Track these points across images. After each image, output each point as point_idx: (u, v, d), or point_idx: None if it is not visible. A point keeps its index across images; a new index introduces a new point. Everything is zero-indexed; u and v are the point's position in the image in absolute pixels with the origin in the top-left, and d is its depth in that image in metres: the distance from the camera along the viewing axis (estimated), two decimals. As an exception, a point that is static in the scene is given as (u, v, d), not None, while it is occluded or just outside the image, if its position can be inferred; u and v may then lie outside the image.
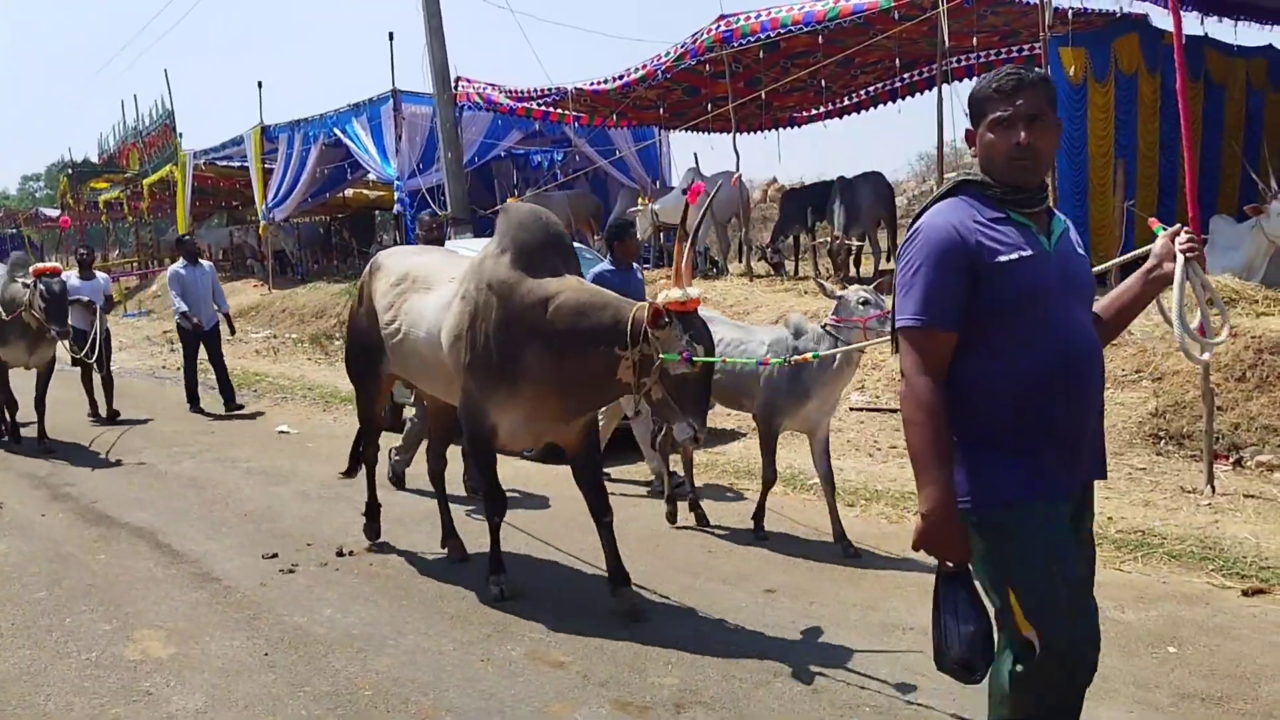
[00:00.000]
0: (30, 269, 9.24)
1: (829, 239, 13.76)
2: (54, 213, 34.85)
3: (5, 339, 9.34)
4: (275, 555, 6.01)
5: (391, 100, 17.22)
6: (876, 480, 7.22)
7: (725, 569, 5.58)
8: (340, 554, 6.02)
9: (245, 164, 22.32)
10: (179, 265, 11.48)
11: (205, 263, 11.99)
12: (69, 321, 9.27)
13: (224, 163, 23.90)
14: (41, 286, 8.91)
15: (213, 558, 6.03)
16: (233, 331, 11.85)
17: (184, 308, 11.10)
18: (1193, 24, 11.62)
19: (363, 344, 5.91)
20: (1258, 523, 5.84)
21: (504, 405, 4.91)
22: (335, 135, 18.85)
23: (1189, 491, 6.40)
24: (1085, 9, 10.71)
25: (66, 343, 9.46)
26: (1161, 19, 10.85)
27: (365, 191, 24.92)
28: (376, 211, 26.77)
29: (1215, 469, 6.53)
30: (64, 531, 6.71)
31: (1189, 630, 4.50)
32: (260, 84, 21.02)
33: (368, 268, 6.04)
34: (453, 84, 15.38)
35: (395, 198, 17.88)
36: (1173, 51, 6.73)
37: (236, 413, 11.27)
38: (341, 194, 23.75)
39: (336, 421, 10.46)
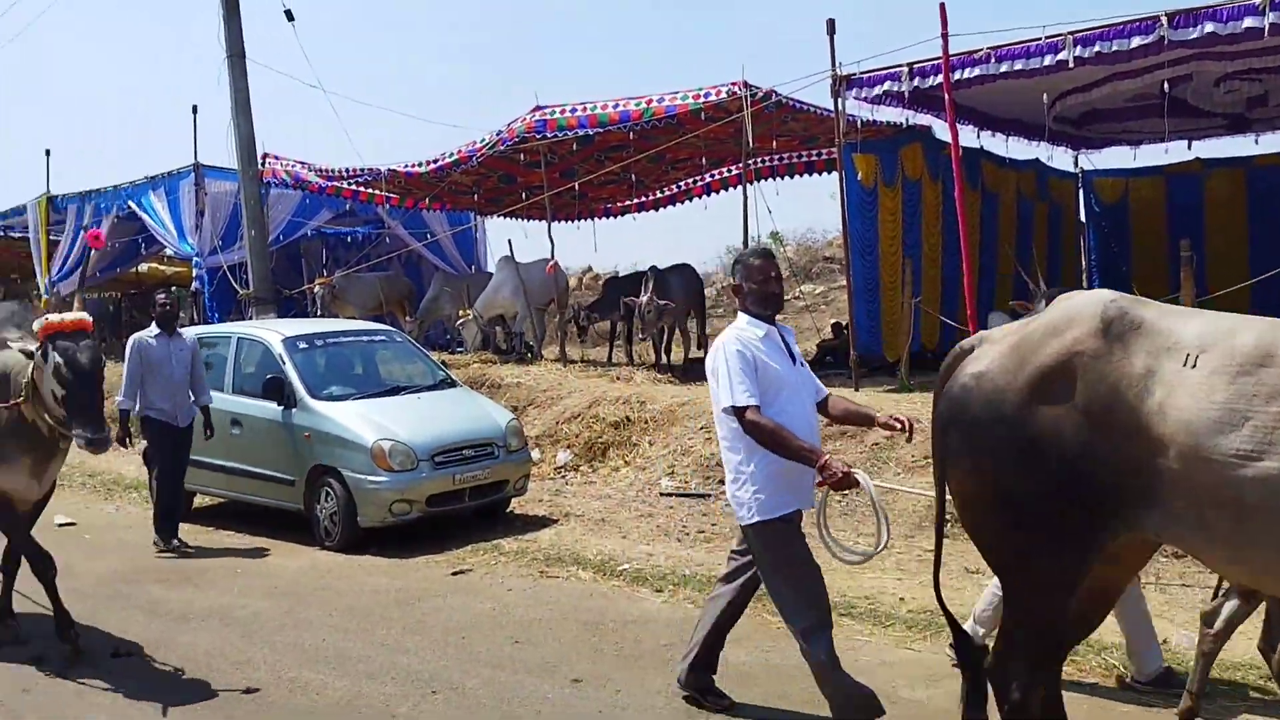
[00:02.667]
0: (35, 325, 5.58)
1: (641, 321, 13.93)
2: None
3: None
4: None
5: (193, 174, 16.66)
6: (685, 565, 7.28)
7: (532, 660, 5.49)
8: (116, 655, 5.62)
9: (27, 234, 20.96)
10: (149, 334, 8.39)
11: (188, 334, 8.86)
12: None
13: (2, 233, 22.42)
14: (59, 358, 5.33)
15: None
16: (210, 433, 8.38)
17: (125, 400, 8.15)
18: (970, 137, 12.61)
19: (1065, 475, 3.22)
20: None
21: None
22: (129, 208, 18.03)
23: (973, 571, 6.75)
24: (875, 120, 11.50)
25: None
26: (943, 131, 11.76)
27: (161, 267, 23.76)
28: (173, 288, 25.56)
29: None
30: None
31: (974, 706, 4.69)
32: (48, 152, 20.06)
33: (1086, 329, 3.26)
34: (259, 160, 15.02)
35: (194, 274, 17.17)
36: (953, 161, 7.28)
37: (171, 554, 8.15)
38: (135, 269, 22.62)
39: (119, 510, 9.77)
